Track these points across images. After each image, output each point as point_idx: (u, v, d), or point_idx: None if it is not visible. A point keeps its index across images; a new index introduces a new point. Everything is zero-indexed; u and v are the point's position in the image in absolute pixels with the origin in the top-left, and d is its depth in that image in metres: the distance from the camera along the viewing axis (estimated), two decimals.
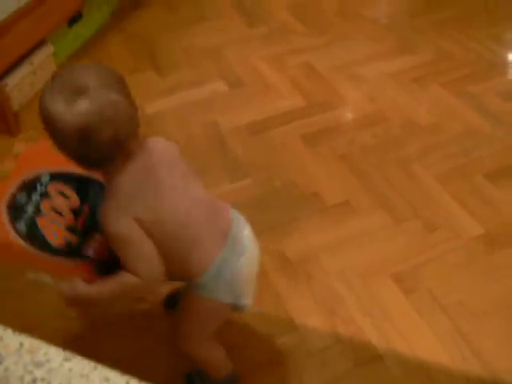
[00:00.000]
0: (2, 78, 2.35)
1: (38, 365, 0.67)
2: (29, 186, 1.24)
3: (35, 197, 1.24)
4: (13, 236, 1.15)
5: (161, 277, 1.15)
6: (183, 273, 1.21)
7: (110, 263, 1.20)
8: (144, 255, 1.12)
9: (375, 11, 3.19)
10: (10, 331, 0.71)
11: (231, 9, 3.22)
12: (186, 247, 1.18)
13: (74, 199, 1.29)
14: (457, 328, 1.66)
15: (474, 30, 2.95)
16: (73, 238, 1.24)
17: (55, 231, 1.24)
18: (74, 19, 2.74)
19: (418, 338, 1.65)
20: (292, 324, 1.69)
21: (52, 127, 1.03)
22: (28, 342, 0.70)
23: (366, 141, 2.30)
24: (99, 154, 1.07)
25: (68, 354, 0.68)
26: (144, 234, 1.11)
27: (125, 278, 1.13)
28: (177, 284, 1.50)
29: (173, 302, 1.63)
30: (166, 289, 1.68)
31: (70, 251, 1.22)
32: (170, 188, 1.15)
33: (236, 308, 1.29)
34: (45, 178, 1.27)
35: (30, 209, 1.22)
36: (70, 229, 1.25)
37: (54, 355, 0.68)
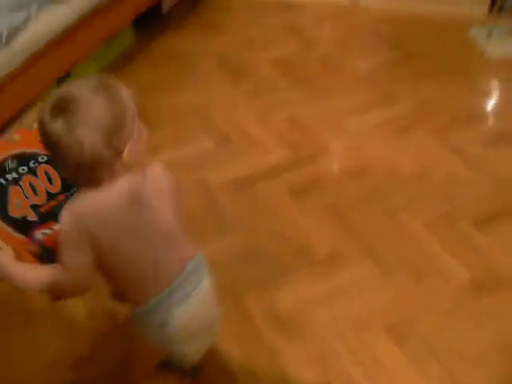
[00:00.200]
0: None
1: None
2: (23, 158, 1.34)
3: (22, 169, 1.34)
4: None
5: (83, 288, 1.22)
6: (122, 294, 1.29)
7: (53, 255, 1.24)
8: (77, 263, 1.17)
9: (357, 64, 3.27)
10: None
11: (216, 66, 3.30)
12: (130, 279, 1.24)
13: (56, 186, 1.36)
14: (448, 373, 1.67)
15: (452, 79, 3.03)
16: (32, 216, 1.31)
17: (20, 204, 1.31)
18: (63, 78, 2.80)
19: None
20: (285, 378, 1.69)
21: (39, 133, 1.12)
22: None
23: (353, 192, 2.33)
24: (68, 172, 1.16)
25: None
26: (87, 246, 1.16)
27: (54, 271, 1.19)
28: None
29: None
30: None
31: (21, 225, 1.28)
32: (134, 224, 1.20)
33: (173, 357, 1.32)
34: (41, 159, 1.35)
35: (10, 176, 1.30)
36: (35, 207, 1.32)
37: None
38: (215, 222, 2.23)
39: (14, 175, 1.33)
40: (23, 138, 1.37)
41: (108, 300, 1.62)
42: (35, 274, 1.21)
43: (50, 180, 1.36)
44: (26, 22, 2.54)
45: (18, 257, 1.23)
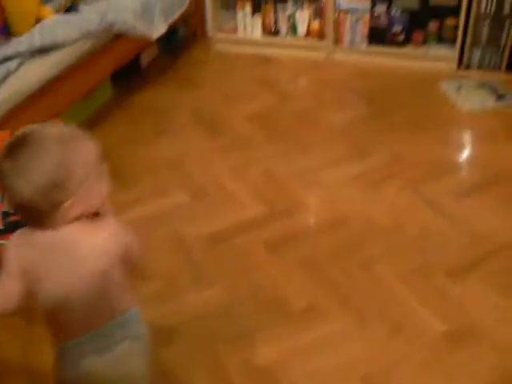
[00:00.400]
0: None
1: None
2: None
3: None
4: None
5: (6, 310, 1.25)
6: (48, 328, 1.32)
7: None
8: (4, 285, 1.23)
9: (331, 120, 3.33)
10: None
11: (192, 120, 3.35)
12: (52, 317, 1.29)
13: None
14: None
15: (424, 133, 3.11)
16: None
17: None
18: None
19: None
20: None
21: None
22: None
23: (328, 245, 2.35)
24: (12, 208, 1.23)
25: None
26: (18, 275, 1.22)
27: None
28: None
29: None
30: None
31: None
32: (61, 270, 1.23)
33: None
34: None
35: None
36: (5, 215, 1.39)
37: None
38: (192, 276, 2.23)
39: None
40: None
41: None
42: None
43: None
44: (5, 77, 2.57)
45: None
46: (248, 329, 1.98)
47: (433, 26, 3.87)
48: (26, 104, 2.62)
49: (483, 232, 2.39)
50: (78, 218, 1.21)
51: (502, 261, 2.25)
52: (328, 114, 3.40)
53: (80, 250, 1.23)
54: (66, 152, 1.15)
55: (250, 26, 4.26)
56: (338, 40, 4.06)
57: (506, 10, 3.54)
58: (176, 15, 3.89)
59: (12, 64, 2.65)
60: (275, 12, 4.16)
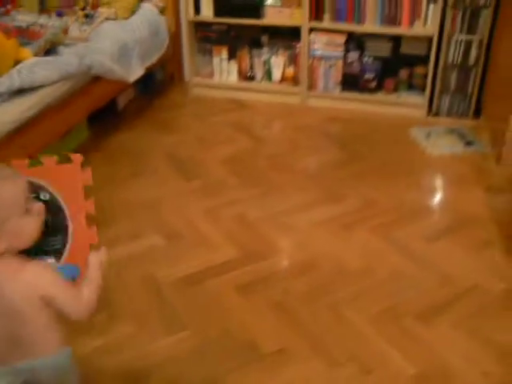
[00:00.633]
0: None
1: None
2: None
3: None
4: None
5: None
6: None
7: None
8: None
9: (304, 164, 3.40)
10: None
11: (167, 163, 3.38)
12: None
13: None
14: None
15: (395, 178, 3.18)
16: None
17: None
18: None
19: None
20: None
21: None
22: None
23: (299, 288, 2.37)
24: None
25: None
26: None
27: None
28: None
29: None
30: None
31: None
32: None
33: None
34: (43, 196, 1.38)
35: None
36: None
37: None
38: (163, 318, 2.22)
39: None
40: (46, 167, 1.40)
41: None
42: None
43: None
44: None
45: None
46: (219, 372, 1.98)
47: (404, 73, 4.00)
48: (2, 143, 2.63)
49: (453, 275, 2.44)
50: (2, 254, 1.25)
51: (471, 303, 2.29)
52: (301, 158, 3.47)
53: (4, 286, 1.26)
54: None
55: (226, 71, 4.35)
56: (311, 86, 4.16)
57: (472, 60, 3.68)
58: (153, 59, 3.97)
59: None
60: (251, 58, 4.27)
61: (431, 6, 3.70)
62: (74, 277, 1.36)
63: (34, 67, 2.93)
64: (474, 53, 3.65)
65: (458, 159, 3.40)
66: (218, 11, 4.13)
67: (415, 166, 3.36)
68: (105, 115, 3.78)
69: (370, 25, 3.90)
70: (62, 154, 1.44)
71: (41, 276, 1.29)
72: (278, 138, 3.84)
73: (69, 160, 1.42)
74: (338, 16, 3.94)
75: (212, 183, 3.17)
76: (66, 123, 3.21)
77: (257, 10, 4.04)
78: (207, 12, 4.18)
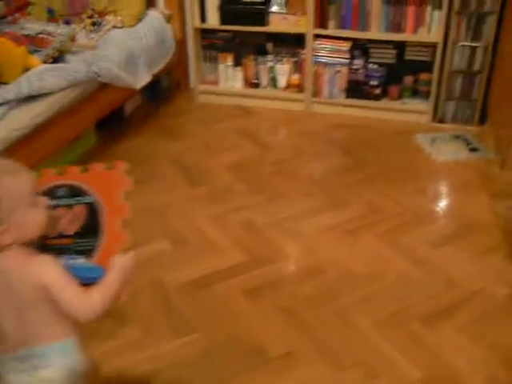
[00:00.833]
0: None
1: None
2: (73, 191, 1.49)
3: (65, 201, 1.48)
4: None
5: None
6: None
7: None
8: None
9: (309, 170, 3.42)
10: None
11: (173, 169, 3.41)
12: None
13: (73, 229, 1.47)
14: None
15: (400, 184, 3.20)
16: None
17: None
18: None
19: None
20: None
21: None
22: None
23: (306, 292, 2.39)
24: None
25: None
26: None
27: None
28: None
29: None
30: None
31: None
32: None
33: None
34: (86, 199, 1.48)
35: (52, 202, 1.45)
36: (44, 236, 1.43)
37: None
38: (171, 322, 2.25)
39: (55, 202, 1.46)
40: (91, 173, 1.50)
41: None
42: None
43: (74, 221, 1.47)
44: None
45: None
46: (226, 375, 2.00)
47: (408, 80, 4.01)
48: (11, 150, 2.66)
49: (458, 280, 2.45)
50: (10, 246, 1.32)
51: (476, 308, 2.30)
52: (307, 164, 3.49)
53: (10, 278, 1.33)
54: None
55: (231, 78, 4.37)
56: (316, 92, 4.18)
57: (477, 66, 3.69)
58: (160, 66, 4.00)
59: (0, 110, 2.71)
60: (256, 65, 4.29)
61: (436, 13, 3.72)
62: (96, 278, 1.40)
63: (42, 74, 2.97)
64: (478, 59, 3.66)
65: (463, 165, 3.42)
66: (224, 19, 4.16)
67: (420, 172, 3.38)
68: (112, 122, 3.81)
69: (375, 32, 3.92)
70: (109, 162, 1.53)
71: (46, 269, 1.34)
72: (284, 145, 3.86)
73: (114, 166, 1.51)
74: (342, 23, 3.96)
75: (218, 189, 3.20)
76: (74, 130, 3.25)
77: (262, 17, 4.07)
78: (213, 20, 4.21)
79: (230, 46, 4.30)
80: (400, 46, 3.95)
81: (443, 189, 3.34)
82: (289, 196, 3.12)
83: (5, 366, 1.41)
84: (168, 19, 4.18)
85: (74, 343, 1.44)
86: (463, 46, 3.66)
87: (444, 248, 2.68)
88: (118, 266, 1.41)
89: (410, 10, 3.78)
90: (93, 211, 1.47)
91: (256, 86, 4.36)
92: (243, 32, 4.21)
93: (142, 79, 3.73)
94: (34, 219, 1.35)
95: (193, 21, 4.25)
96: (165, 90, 4.47)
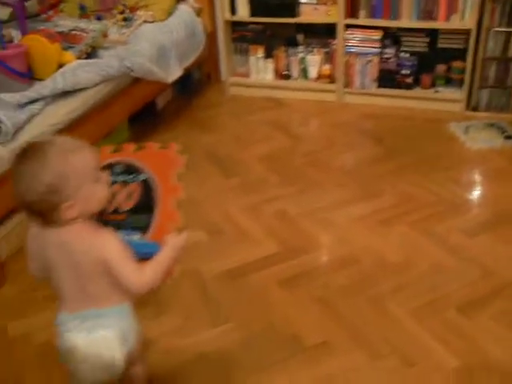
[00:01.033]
0: None
1: None
2: (130, 169, 1.55)
3: (121, 177, 1.55)
4: None
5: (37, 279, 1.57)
6: None
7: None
8: (29, 262, 1.53)
9: (341, 161, 3.42)
10: None
11: (206, 161, 3.44)
12: (55, 291, 1.52)
13: (128, 205, 1.55)
14: None
15: (433, 173, 3.18)
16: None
17: None
18: None
19: None
20: None
21: None
22: None
23: (340, 282, 2.40)
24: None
25: None
26: (34, 255, 1.50)
27: None
28: None
29: None
30: None
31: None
32: (54, 260, 1.45)
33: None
34: (142, 176, 1.54)
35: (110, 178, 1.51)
36: (101, 211, 1.50)
37: None
38: (209, 311, 2.27)
39: (111, 179, 1.53)
40: (148, 151, 1.56)
41: None
42: None
43: (129, 197, 1.53)
44: (29, 119, 2.68)
45: None
46: (264, 363, 2.02)
47: (441, 68, 3.98)
48: None
49: (493, 268, 2.43)
50: (76, 220, 1.39)
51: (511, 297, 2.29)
52: (339, 155, 3.49)
53: (72, 249, 1.42)
54: (64, 161, 1.34)
55: (262, 69, 4.39)
56: (348, 83, 4.17)
57: (511, 52, 3.64)
58: (191, 60, 4.03)
59: (36, 106, 2.76)
60: (287, 56, 4.30)
61: (469, 0, 3.68)
62: (152, 254, 1.47)
63: (76, 70, 3.02)
64: None
65: (498, 153, 3.38)
66: (254, 11, 4.18)
67: (454, 161, 3.35)
68: (145, 116, 3.85)
69: (406, 20, 3.90)
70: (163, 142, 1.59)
71: (107, 242, 1.42)
72: (315, 136, 3.86)
73: (167, 147, 1.56)
74: (373, 12, 3.95)
75: (251, 180, 3.22)
76: (108, 124, 3.29)
77: (292, 8, 4.07)
78: (243, 12, 4.22)
79: (260, 38, 4.32)
80: (432, 34, 3.91)
81: (477, 177, 3.30)
82: (321, 187, 3.13)
83: (65, 325, 1.50)
84: (198, 12, 4.21)
85: (129, 309, 1.55)
86: (497, 32, 3.61)
87: (478, 237, 2.66)
88: (171, 244, 1.49)
89: None
90: (147, 189, 1.52)
91: (287, 77, 4.37)
92: (273, 24, 4.22)
93: (174, 73, 3.76)
94: (97, 194, 1.42)
95: (223, 13, 4.28)
96: (196, 83, 4.51)
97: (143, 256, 1.47)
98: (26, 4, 3.80)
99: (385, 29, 3.99)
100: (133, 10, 3.93)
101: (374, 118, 3.95)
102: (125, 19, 3.82)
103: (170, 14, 3.99)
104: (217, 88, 4.57)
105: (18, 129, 2.58)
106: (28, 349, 2.15)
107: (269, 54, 4.34)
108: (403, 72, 4.02)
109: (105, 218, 1.53)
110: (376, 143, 3.59)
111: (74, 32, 3.38)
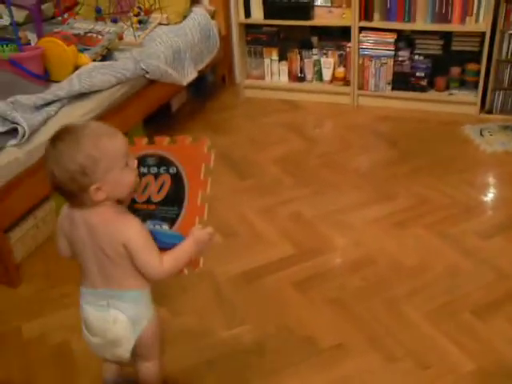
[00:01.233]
0: (7, 230, 2.50)
1: None
2: (161, 161, 1.57)
3: (153, 169, 1.58)
4: None
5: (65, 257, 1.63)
6: None
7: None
8: (59, 241, 1.60)
9: (356, 163, 3.42)
10: None
11: (221, 163, 3.44)
12: (80, 266, 1.58)
13: (159, 196, 1.58)
14: None
15: (447, 176, 3.17)
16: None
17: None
18: None
19: None
20: None
21: None
22: None
23: (355, 284, 2.40)
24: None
25: None
26: (62, 236, 1.58)
27: None
28: None
29: None
30: None
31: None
32: (81, 240, 1.51)
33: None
34: (172, 170, 1.57)
35: (142, 169, 1.57)
36: (133, 201, 1.58)
37: None
38: (223, 313, 2.28)
39: (144, 170, 1.58)
40: (179, 145, 1.58)
41: None
42: None
43: (160, 189, 1.57)
44: (45, 120, 2.71)
45: None
46: (278, 365, 2.03)
47: (455, 71, 3.97)
48: None
49: (508, 271, 2.42)
50: (103, 203, 1.44)
51: None
52: (353, 157, 3.49)
53: (97, 231, 1.47)
54: (96, 145, 1.38)
55: (276, 72, 4.40)
56: (362, 85, 4.17)
57: None
58: (205, 62, 4.05)
59: (52, 108, 2.78)
60: (301, 59, 4.30)
61: (483, 2, 3.67)
62: (175, 244, 1.53)
63: (92, 72, 3.04)
64: None
65: None
66: (268, 13, 4.19)
67: (468, 164, 3.34)
68: (159, 118, 3.87)
69: (421, 23, 3.89)
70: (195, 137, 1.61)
71: (130, 227, 1.47)
72: (330, 138, 3.87)
73: (198, 142, 1.58)
74: (387, 15, 3.95)
75: (266, 182, 3.23)
76: (123, 126, 3.28)
77: (306, 11, 4.08)
78: (257, 14, 4.24)
79: (274, 41, 4.33)
80: (446, 36, 3.91)
81: (492, 180, 3.29)
82: (336, 189, 3.13)
83: (85, 298, 1.59)
84: (212, 15, 4.23)
85: (147, 297, 1.59)
86: None
87: (493, 239, 2.65)
88: (195, 236, 1.52)
89: (457, 0, 3.74)
90: (177, 182, 1.56)
91: (301, 79, 4.38)
92: (288, 26, 4.23)
93: (189, 75, 3.78)
94: (126, 179, 1.47)
95: (237, 16, 4.29)
96: (210, 85, 4.52)
97: (165, 245, 1.52)
98: (42, 7, 3.84)
99: (399, 31, 3.99)
100: (148, 12, 3.95)
101: (388, 120, 3.94)
102: (140, 22, 3.84)
103: (184, 16, 4.01)
104: (231, 90, 4.59)
105: (34, 130, 2.60)
106: (43, 349, 2.17)
107: (283, 57, 4.35)
108: (417, 74, 4.01)
109: (136, 207, 1.58)
110: (390, 146, 3.59)
111: (89, 34, 3.41)
